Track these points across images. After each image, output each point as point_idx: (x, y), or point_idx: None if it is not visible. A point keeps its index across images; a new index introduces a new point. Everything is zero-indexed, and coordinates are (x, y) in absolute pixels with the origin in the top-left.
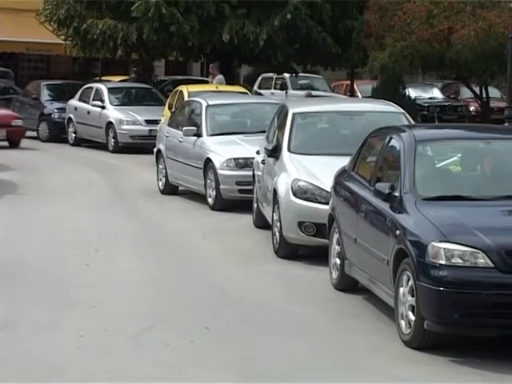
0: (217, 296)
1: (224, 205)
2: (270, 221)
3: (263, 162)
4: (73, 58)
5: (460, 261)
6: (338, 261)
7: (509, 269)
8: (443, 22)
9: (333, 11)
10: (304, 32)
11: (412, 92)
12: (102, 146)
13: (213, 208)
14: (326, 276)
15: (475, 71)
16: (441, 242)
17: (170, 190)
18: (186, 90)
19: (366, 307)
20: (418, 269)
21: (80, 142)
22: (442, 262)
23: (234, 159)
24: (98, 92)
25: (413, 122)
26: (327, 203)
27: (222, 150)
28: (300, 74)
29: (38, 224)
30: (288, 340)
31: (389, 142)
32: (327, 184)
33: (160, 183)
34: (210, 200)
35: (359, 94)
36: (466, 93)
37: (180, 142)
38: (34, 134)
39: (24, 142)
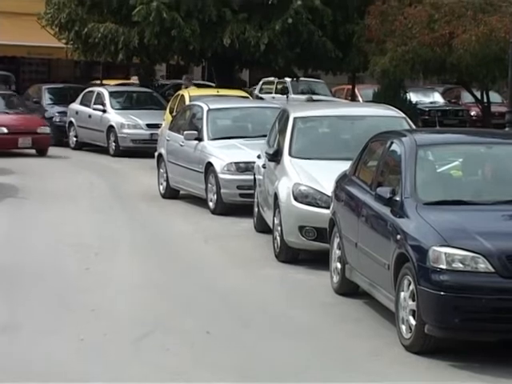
0: (217, 300)
1: (225, 209)
2: (270, 225)
3: (264, 167)
4: (74, 62)
5: (461, 265)
6: (338, 265)
7: (509, 274)
8: (444, 27)
9: (334, 16)
10: (305, 36)
11: (413, 96)
12: (103, 150)
13: (214, 212)
14: (327, 280)
15: (476, 76)
16: (442, 246)
17: (171, 194)
18: (187, 94)
19: (366, 312)
20: (418, 273)
21: (81, 146)
22: (443, 267)
23: (235, 163)
24: (100, 96)
25: (414, 127)
26: (328, 208)
27: (223, 154)
28: (301, 79)
29: (39, 228)
30: (289, 344)
31: (390, 146)
32: (328, 188)
33: (161, 187)
34: (210, 204)
35: (360, 99)
36: (466, 97)
37: (181, 146)
38: None
39: None
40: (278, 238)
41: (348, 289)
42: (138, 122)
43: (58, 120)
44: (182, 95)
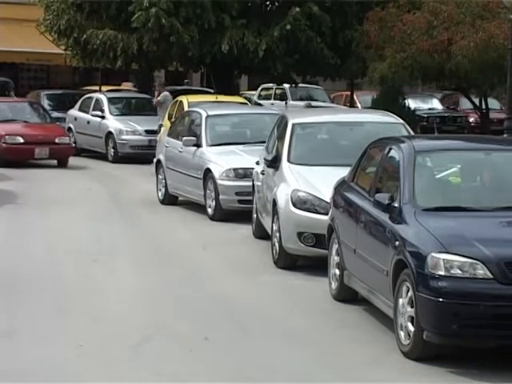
0: (216, 306)
1: (223, 215)
2: (269, 231)
3: (263, 173)
4: (73, 68)
5: (459, 272)
6: (337, 271)
7: (508, 280)
8: (443, 33)
9: (332, 22)
10: (303, 43)
11: (411, 103)
12: (102, 156)
13: (212, 218)
14: (326, 287)
15: (475, 82)
16: (440, 252)
17: (170, 200)
18: (185, 100)
19: (365, 318)
20: (417, 280)
21: (80, 152)
22: (442, 273)
23: (234, 169)
24: (98, 102)
25: (412, 133)
26: (327, 214)
27: (221, 161)
28: (300, 85)
29: (38, 234)
30: (287, 350)
31: (388, 152)
32: (327, 195)
33: (160, 193)
34: (209, 210)
35: (359, 105)
36: (465, 104)
37: (180, 152)
38: None
39: None
40: (277, 244)
41: (346, 295)
42: (137, 128)
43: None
44: (181, 101)
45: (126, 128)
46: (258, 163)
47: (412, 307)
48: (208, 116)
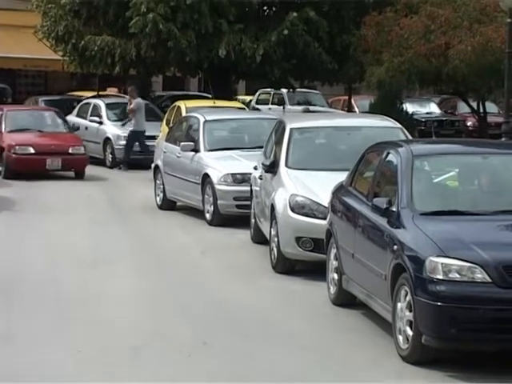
0: (214, 311)
1: (222, 220)
2: (267, 236)
3: (261, 178)
4: (70, 74)
5: (457, 276)
6: (335, 276)
7: (507, 284)
8: (440, 38)
9: (330, 27)
10: (301, 48)
11: (409, 107)
12: (100, 162)
13: (211, 223)
14: (324, 291)
15: (472, 86)
16: (438, 256)
17: (168, 205)
18: (183, 105)
19: (364, 322)
20: (415, 284)
21: None
22: (440, 277)
23: (232, 174)
24: (96, 108)
25: (410, 137)
26: (325, 218)
27: (219, 166)
28: (297, 90)
29: (36, 240)
30: (286, 354)
31: (386, 157)
32: (325, 199)
33: (158, 199)
34: (207, 215)
35: (357, 110)
36: (463, 108)
37: (178, 157)
38: None
39: None
40: (275, 248)
41: (345, 299)
42: None
43: None
44: (179, 107)
45: (124, 134)
46: (255, 168)
47: (410, 311)
48: (206, 121)
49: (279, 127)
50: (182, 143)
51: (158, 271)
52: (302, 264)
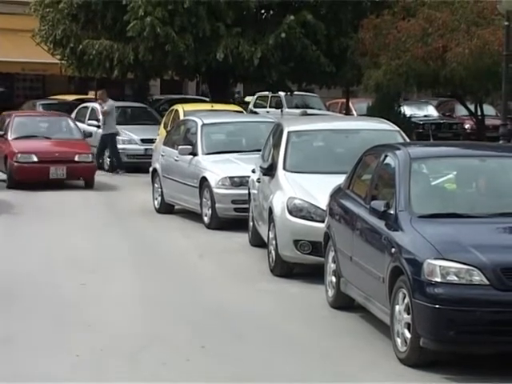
0: (212, 315)
1: (220, 223)
2: (265, 239)
3: (259, 181)
4: (68, 78)
5: (455, 278)
6: (333, 279)
7: (504, 286)
8: (438, 40)
9: (327, 30)
10: (299, 51)
11: (407, 110)
12: (98, 166)
13: (209, 227)
14: (322, 294)
15: (470, 89)
16: (436, 259)
17: (166, 209)
18: (181, 108)
19: (362, 325)
20: (413, 286)
21: None
22: (438, 280)
23: (230, 178)
24: (94, 111)
25: (408, 140)
26: (323, 221)
27: (217, 169)
28: (295, 93)
29: (34, 243)
30: (284, 358)
31: (384, 159)
32: (323, 202)
33: (156, 202)
34: (205, 219)
35: (354, 112)
36: (461, 110)
37: (176, 160)
38: None
39: None
40: (273, 252)
41: (343, 302)
42: (133, 137)
43: None
44: (177, 110)
45: (122, 137)
46: (253, 171)
47: (408, 314)
48: (204, 124)
49: (277, 130)
50: (180, 147)
51: (156, 275)
52: (300, 267)
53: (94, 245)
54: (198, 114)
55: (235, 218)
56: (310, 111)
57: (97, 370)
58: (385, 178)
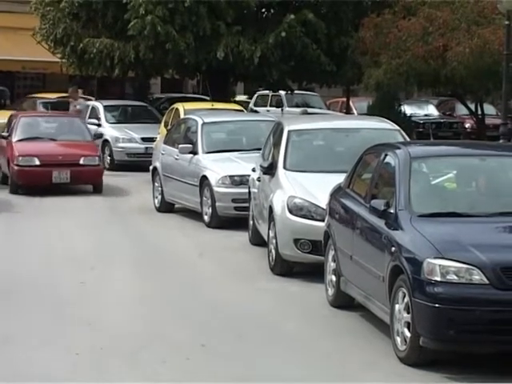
0: (212, 313)
1: (220, 222)
2: (265, 238)
3: (259, 180)
4: (69, 76)
5: (455, 277)
6: (333, 278)
7: (504, 285)
8: (438, 40)
9: (328, 29)
10: (299, 49)
11: (407, 109)
12: None
13: (209, 225)
14: (322, 293)
15: (470, 88)
16: (436, 258)
17: (166, 207)
18: (181, 107)
19: (362, 324)
20: (413, 285)
21: None
22: (438, 279)
23: (230, 176)
24: (94, 110)
25: (408, 139)
26: (323, 220)
27: (217, 168)
28: (295, 92)
29: (34, 242)
30: (284, 356)
31: (384, 158)
32: (323, 201)
33: (156, 201)
34: (206, 217)
35: (355, 111)
36: (461, 110)
37: (176, 159)
38: None
39: None
40: (273, 250)
41: (343, 301)
42: (133, 135)
43: None
44: (177, 109)
45: (123, 136)
46: (254, 170)
47: (408, 313)
48: (204, 123)
49: (277, 129)
50: (180, 145)
51: (156, 273)
52: (300, 266)
53: (93, 243)
54: (199, 112)
55: (235, 216)
56: (310, 110)
57: (97, 368)
58: (385, 177)
